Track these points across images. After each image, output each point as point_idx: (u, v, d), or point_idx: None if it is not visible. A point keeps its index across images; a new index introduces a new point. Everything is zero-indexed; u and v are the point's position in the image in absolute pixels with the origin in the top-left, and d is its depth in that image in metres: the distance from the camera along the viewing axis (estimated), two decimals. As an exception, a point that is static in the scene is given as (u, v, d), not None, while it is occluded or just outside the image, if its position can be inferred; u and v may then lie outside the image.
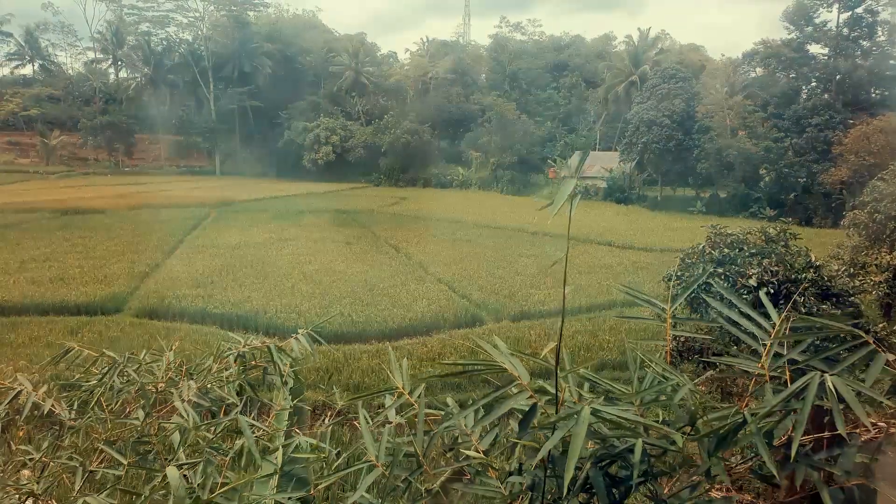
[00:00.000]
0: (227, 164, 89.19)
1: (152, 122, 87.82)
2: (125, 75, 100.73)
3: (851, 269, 18.08)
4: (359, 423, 2.39)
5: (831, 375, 1.74)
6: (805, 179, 54.61)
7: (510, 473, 2.14)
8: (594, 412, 1.81)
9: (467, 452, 2.14)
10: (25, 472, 2.73)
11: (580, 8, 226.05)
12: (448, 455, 2.27)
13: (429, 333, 21.00)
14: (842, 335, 2.09)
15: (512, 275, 29.04)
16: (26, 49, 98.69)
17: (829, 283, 12.85)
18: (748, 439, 1.83)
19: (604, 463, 1.98)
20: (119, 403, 2.79)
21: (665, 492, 2.03)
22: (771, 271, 12.42)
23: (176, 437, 2.51)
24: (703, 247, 13.93)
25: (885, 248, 20.34)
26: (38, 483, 2.52)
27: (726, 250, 13.37)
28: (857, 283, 15.20)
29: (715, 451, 1.87)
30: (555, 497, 1.96)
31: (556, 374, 1.97)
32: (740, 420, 1.84)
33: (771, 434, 1.89)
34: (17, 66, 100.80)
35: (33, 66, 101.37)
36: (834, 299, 12.67)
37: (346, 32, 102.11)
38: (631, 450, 1.89)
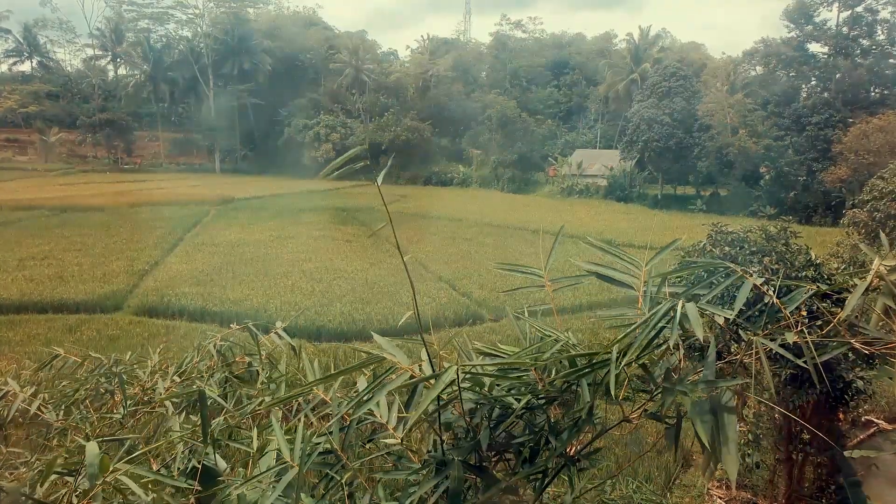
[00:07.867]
0: (227, 162, 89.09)
1: (152, 119, 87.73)
2: (124, 72, 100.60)
3: (851, 268, 18.06)
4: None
5: (686, 302, 1.94)
6: (805, 178, 54.61)
7: (428, 453, 2.17)
8: (463, 368, 1.91)
9: (386, 441, 2.19)
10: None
11: (581, 6, 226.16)
12: (367, 447, 2.30)
13: (429, 332, 21.00)
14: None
15: (514, 272, 29.02)
16: (24, 46, 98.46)
17: (828, 282, 12.85)
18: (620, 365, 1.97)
19: (506, 424, 2.10)
20: (105, 404, 2.80)
21: (570, 451, 2.14)
22: (771, 269, 12.40)
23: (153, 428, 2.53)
24: (704, 245, 13.90)
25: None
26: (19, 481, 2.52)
27: (727, 248, 13.33)
28: (857, 281, 15.18)
29: (604, 386, 2.00)
30: (465, 459, 2.01)
31: (423, 339, 2.11)
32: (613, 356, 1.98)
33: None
34: (15, 63, 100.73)
35: (31, 62, 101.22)
36: (834, 297, 12.66)
37: (347, 30, 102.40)
38: (528, 409, 2.04)
